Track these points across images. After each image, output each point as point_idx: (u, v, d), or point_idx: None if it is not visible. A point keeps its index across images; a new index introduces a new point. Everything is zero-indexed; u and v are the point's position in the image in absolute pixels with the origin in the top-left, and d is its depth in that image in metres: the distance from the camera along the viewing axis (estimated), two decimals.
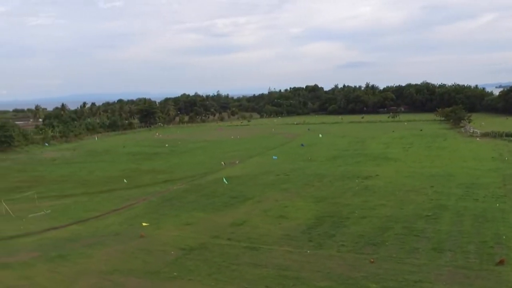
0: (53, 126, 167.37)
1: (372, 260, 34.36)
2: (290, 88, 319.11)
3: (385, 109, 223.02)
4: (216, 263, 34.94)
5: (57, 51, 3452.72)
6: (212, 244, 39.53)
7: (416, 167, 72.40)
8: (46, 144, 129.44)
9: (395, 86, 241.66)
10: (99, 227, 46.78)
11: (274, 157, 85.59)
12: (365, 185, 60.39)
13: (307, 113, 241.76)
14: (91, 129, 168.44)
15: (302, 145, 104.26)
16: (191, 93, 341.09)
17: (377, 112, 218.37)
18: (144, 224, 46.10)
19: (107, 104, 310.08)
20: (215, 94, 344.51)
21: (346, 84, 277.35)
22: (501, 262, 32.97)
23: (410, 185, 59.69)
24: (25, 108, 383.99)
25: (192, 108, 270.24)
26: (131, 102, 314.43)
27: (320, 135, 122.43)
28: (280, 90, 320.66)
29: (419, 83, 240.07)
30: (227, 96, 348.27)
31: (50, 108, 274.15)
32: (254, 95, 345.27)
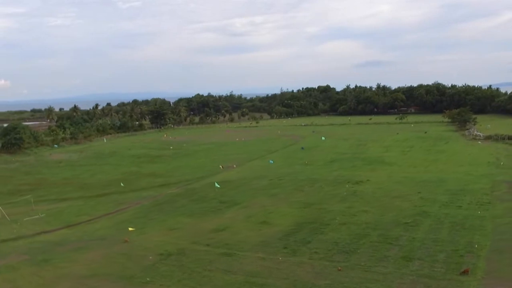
0: (64, 128, 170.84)
1: (339, 268, 35.32)
2: (303, 88, 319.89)
3: (395, 110, 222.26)
4: (190, 269, 36.29)
5: (76, 51, 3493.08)
6: (190, 250, 40.90)
7: (410, 172, 72.93)
8: (55, 146, 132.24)
9: (406, 87, 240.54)
10: (87, 231, 48.49)
11: (270, 161, 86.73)
12: (354, 191, 61.23)
13: (318, 114, 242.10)
14: (102, 131, 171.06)
15: (302, 148, 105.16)
16: (208, 93, 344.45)
17: (387, 113, 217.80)
18: (130, 229, 47.68)
19: (122, 105, 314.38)
20: (228, 94, 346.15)
21: (359, 85, 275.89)
22: (465, 272, 33.65)
23: (398, 191, 60.38)
24: (43, 108, 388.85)
25: (204, 108, 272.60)
26: (145, 102, 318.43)
27: (323, 138, 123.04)
28: (292, 91, 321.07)
29: (431, 83, 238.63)
30: (240, 97, 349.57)
31: (68, 108, 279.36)
32: (267, 95, 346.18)
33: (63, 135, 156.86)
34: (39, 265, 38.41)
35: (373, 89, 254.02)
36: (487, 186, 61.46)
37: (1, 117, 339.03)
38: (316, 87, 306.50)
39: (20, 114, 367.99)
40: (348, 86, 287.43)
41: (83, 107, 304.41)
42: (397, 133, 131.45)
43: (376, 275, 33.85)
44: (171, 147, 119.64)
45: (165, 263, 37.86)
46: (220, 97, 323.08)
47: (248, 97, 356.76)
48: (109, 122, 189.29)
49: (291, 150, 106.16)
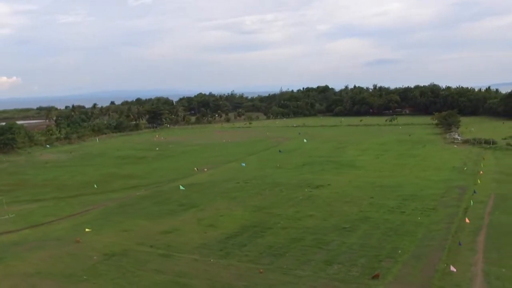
0: (60, 128, 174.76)
1: (261, 271, 38.19)
2: (303, 88, 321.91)
3: (390, 111, 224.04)
4: (125, 269, 39.38)
5: (87, 48, 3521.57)
6: (134, 251, 44.00)
7: (373, 177, 75.41)
8: (48, 146, 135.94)
9: (402, 88, 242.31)
10: (47, 232, 51.67)
11: (242, 164, 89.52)
12: (310, 195, 63.94)
13: (314, 115, 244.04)
14: (97, 130, 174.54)
15: (280, 151, 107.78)
16: (210, 92, 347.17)
17: (382, 114, 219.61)
18: (87, 230, 50.83)
19: (125, 103, 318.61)
20: (229, 93, 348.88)
21: (367, 84, 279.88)
22: (376, 276, 36.40)
23: (352, 195, 62.98)
24: (49, 106, 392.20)
25: (201, 109, 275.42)
26: (148, 101, 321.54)
27: (305, 140, 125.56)
28: (292, 91, 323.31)
29: (427, 84, 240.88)
30: (241, 96, 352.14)
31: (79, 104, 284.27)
32: (269, 94, 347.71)
33: (58, 134, 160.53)
34: None
35: (370, 90, 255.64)
36: (439, 191, 63.87)
37: (7, 115, 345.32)
38: (316, 87, 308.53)
39: (26, 112, 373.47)
40: (346, 87, 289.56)
41: (92, 104, 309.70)
42: (382, 136, 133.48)
43: (292, 278, 36.69)
44: (157, 148, 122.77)
45: (105, 263, 40.94)
46: (221, 96, 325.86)
47: (255, 96, 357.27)
48: (105, 122, 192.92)
49: (270, 152, 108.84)
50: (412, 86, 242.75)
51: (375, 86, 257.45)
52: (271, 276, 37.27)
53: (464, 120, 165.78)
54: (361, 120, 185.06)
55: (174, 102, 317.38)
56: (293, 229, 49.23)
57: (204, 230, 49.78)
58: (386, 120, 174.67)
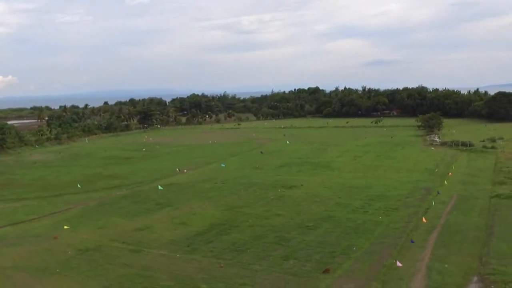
0: (51, 128, 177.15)
1: (221, 265, 41.14)
2: (295, 89, 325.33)
3: (378, 112, 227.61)
4: (96, 263, 42.30)
5: (84, 48, 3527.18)
6: (106, 246, 46.90)
7: (346, 178, 78.49)
8: (37, 147, 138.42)
9: (391, 90, 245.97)
10: (27, 229, 54.42)
11: (222, 164, 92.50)
12: (281, 195, 66.92)
13: (304, 116, 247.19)
14: (88, 131, 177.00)
15: (261, 152, 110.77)
16: (202, 93, 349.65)
17: (371, 116, 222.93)
18: (65, 227, 53.66)
19: (119, 103, 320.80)
20: (222, 94, 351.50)
21: (365, 84, 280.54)
22: (326, 271, 39.39)
23: (322, 196, 66.03)
24: (43, 106, 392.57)
25: (197, 108, 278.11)
26: (142, 101, 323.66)
27: (288, 142, 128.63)
28: (284, 92, 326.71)
29: (416, 86, 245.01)
30: (234, 97, 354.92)
31: (79, 104, 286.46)
32: (262, 95, 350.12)
33: (49, 135, 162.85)
34: None
35: (360, 91, 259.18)
36: (405, 192, 67.00)
37: (0, 115, 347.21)
38: (307, 89, 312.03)
39: (20, 112, 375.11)
40: (337, 88, 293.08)
41: (91, 104, 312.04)
42: (365, 137, 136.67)
43: (249, 272, 39.65)
44: (144, 149, 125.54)
45: (78, 258, 43.81)
46: (213, 97, 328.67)
47: (252, 96, 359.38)
48: (95, 123, 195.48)
49: (252, 154, 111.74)
50: (411, 87, 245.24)
51: (364, 88, 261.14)
52: (230, 270, 40.17)
53: (448, 122, 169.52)
54: (347, 122, 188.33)
55: (167, 103, 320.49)
56: (259, 227, 52.17)
57: (175, 227, 52.69)
58: (371, 122, 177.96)
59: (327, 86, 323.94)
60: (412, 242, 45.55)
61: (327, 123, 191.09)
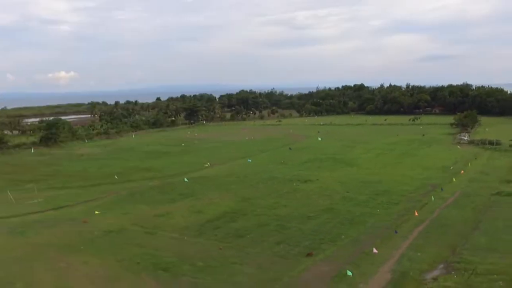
0: (102, 123, 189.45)
1: (220, 247, 47.20)
2: (343, 86, 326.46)
3: (420, 110, 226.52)
4: (115, 242, 49.41)
5: (142, 44, 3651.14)
6: (127, 229, 54.05)
7: (361, 174, 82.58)
8: (87, 141, 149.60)
9: (433, 87, 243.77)
10: (65, 213, 62.57)
11: (248, 160, 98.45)
12: (295, 188, 72.24)
13: (347, 113, 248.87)
14: (135, 126, 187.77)
15: (290, 149, 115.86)
16: (250, 89, 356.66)
17: (413, 113, 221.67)
18: (96, 212, 61.40)
19: (171, 99, 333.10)
20: (269, 90, 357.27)
21: (416, 81, 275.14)
22: (309, 255, 44.75)
23: (331, 190, 70.82)
24: (101, 101, 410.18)
25: (244, 104, 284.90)
26: (193, 97, 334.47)
27: (319, 139, 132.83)
28: (329, 88, 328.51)
29: (460, 83, 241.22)
30: (281, 93, 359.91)
31: (133, 99, 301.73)
32: (309, 92, 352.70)
33: (99, 130, 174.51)
34: (13, 235, 52.48)
35: (403, 88, 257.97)
36: (411, 188, 70.66)
37: (60, 110, 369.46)
38: (352, 85, 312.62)
39: (78, 107, 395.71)
40: (382, 85, 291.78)
41: (146, 99, 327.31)
42: (397, 135, 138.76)
43: (243, 253, 45.48)
44: (183, 144, 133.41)
45: (102, 238, 51.10)
46: (260, 93, 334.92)
47: (295, 93, 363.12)
48: (143, 118, 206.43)
49: (282, 150, 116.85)
50: (455, 84, 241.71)
51: (407, 85, 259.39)
52: (227, 252, 46.14)
53: (488, 120, 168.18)
54: (385, 119, 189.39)
55: (216, 99, 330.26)
56: (264, 216, 57.84)
57: (191, 215, 59.20)
58: (409, 120, 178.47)
59: (376, 82, 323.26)
60: (396, 232, 49.92)
61: (366, 121, 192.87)
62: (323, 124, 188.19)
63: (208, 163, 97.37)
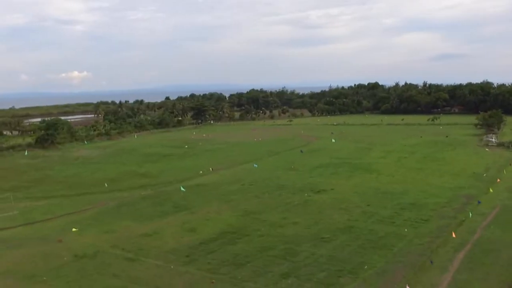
0: (105, 124, 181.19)
1: (213, 281, 37.96)
2: (355, 85, 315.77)
3: (438, 109, 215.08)
4: (86, 271, 40.53)
5: (154, 44, 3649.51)
6: (104, 253, 45.14)
7: (382, 182, 72.91)
8: (86, 142, 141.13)
9: (451, 86, 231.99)
10: (38, 230, 53.91)
11: (255, 165, 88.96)
12: (307, 200, 62.84)
13: (361, 112, 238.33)
14: (140, 127, 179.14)
15: (301, 151, 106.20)
16: (261, 88, 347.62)
17: (430, 112, 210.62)
18: (74, 229, 52.54)
19: (180, 99, 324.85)
20: (280, 89, 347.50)
21: (429, 80, 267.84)
22: None
23: (349, 202, 61.26)
24: (109, 101, 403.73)
25: (254, 104, 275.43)
26: (202, 96, 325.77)
27: (333, 140, 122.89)
28: (342, 87, 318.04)
29: (480, 81, 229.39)
30: (292, 92, 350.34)
31: (145, 99, 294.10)
32: (321, 90, 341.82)
33: (102, 130, 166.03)
34: None
35: (420, 87, 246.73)
36: (443, 201, 60.83)
37: (67, 109, 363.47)
38: (366, 84, 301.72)
39: (86, 107, 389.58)
40: (397, 84, 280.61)
41: (156, 98, 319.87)
42: (421, 136, 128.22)
43: None
44: (186, 146, 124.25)
45: (71, 265, 42.28)
46: (271, 92, 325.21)
47: (307, 92, 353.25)
48: (148, 118, 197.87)
49: (292, 153, 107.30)
50: (474, 82, 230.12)
51: (424, 84, 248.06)
52: (220, 286, 36.95)
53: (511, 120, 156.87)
54: (402, 119, 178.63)
55: (226, 98, 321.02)
56: (269, 237, 48.57)
57: (183, 234, 50.17)
58: (428, 120, 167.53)
59: (389, 81, 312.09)
60: (432, 262, 40.20)
61: (381, 120, 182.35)
62: (336, 124, 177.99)
63: (211, 168, 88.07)
